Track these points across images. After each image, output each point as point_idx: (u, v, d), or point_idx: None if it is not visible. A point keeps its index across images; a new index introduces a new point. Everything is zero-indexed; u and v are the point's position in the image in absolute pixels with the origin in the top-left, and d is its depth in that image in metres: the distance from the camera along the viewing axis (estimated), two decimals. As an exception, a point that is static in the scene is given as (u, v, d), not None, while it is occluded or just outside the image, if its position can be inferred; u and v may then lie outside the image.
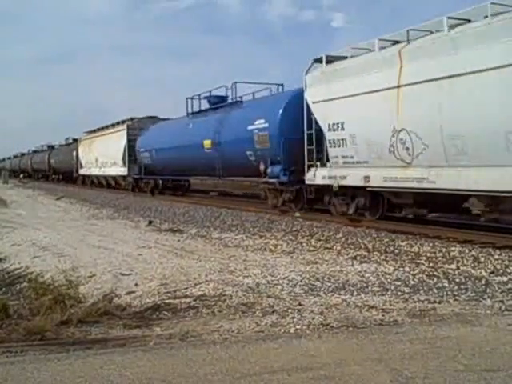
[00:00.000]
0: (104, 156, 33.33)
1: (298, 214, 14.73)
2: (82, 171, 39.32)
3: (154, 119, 29.54)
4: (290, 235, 11.31)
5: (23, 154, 70.25)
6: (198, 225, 13.76)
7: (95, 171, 35.91)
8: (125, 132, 29.88)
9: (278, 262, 8.36)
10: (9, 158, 78.03)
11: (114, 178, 32.42)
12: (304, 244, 10.19)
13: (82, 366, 3.90)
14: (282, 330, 4.88)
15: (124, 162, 29.43)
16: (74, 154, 40.15)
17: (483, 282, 6.74)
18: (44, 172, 54.76)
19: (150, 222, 14.40)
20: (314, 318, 5.19)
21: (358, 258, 8.61)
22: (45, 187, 39.86)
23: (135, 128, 29.37)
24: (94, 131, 37.37)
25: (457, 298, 6.05)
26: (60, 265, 8.21)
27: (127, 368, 3.83)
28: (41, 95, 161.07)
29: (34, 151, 62.70)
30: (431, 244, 9.51)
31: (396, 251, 9.07)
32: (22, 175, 62.03)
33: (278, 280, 6.96)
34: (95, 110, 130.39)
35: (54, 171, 50.41)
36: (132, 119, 30.91)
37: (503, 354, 4.02)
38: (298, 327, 4.95)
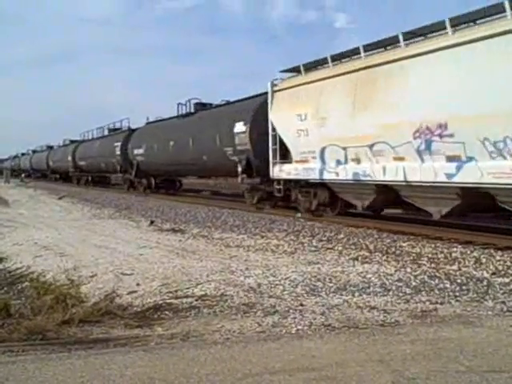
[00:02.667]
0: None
1: (299, 215, 14.75)
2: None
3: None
4: (292, 235, 11.31)
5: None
6: (199, 225, 13.76)
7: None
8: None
9: (279, 262, 8.36)
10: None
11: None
12: (305, 244, 10.18)
13: (84, 365, 3.90)
14: (284, 331, 4.87)
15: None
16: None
17: (485, 283, 6.73)
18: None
19: (152, 222, 14.40)
20: (315, 319, 5.18)
21: (360, 258, 8.61)
22: (46, 187, 39.89)
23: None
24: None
25: (458, 299, 6.04)
26: (62, 264, 8.23)
27: (128, 368, 3.83)
28: (41, 95, 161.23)
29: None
30: (433, 245, 9.50)
31: (397, 252, 9.07)
32: (23, 175, 62.10)
33: (279, 280, 6.95)
34: (96, 110, 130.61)
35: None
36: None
37: (505, 356, 4.02)
38: (299, 328, 4.94)
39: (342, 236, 10.90)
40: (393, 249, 9.34)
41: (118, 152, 30.20)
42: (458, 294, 6.25)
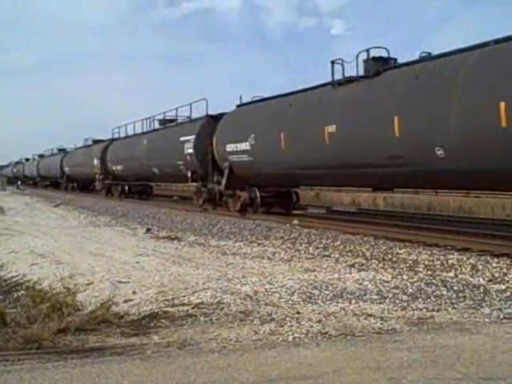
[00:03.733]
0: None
1: (295, 222, 14.76)
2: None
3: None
4: (288, 243, 11.31)
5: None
6: (195, 232, 13.75)
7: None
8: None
9: (275, 269, 8.35)
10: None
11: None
12: (302, 252, 10.18)
13: (80, 374, 3.89)
14: (280, 339, 4.87)
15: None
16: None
17: (481, 289, 6.73)
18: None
19: (148, 230, 14.39)
20: (312, 327, 5.18)
21: (356, 265, 8.60)
22: (42, 194, 39.81)
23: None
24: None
25: (455, 306, 6.04)
26: (58, 272, 8.19)
27: (125, 376, 3.82)
28: (38, 102, 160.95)
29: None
30: (429, 252, 9.51)
31: (394, 259, 9.07)
32: (19, 182, 61.90)
33: (276, 288, 6.95)
34: (94, 116, 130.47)
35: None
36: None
37: (501, 363, 4.02)
38: (296, 335, 4.94)
39: (338, 243, 10.90)
40: (389, 256, 9.34)
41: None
42: (454, 301, 6.25)
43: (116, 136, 34.76)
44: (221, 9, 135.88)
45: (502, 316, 5.58)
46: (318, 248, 10.51)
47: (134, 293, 6.86)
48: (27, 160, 70.31)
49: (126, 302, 6.40)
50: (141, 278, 7.73)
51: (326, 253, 9.95)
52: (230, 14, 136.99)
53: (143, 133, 28.78)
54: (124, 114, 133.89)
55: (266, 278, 7.54)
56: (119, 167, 31.24)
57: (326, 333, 5.00)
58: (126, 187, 31.25)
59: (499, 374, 3.79)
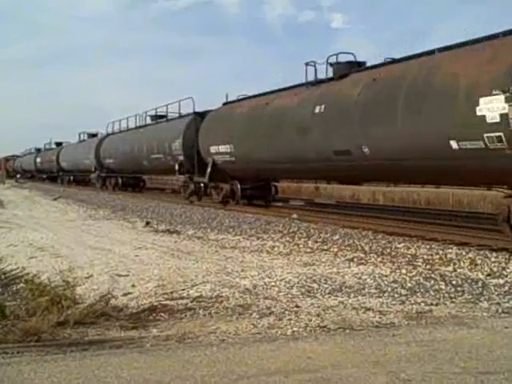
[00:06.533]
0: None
1: (295, 216, 14.77)
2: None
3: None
4: (287, 237, 11.31)
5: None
6: (194, 226, 13.75)
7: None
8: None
9: (274, 263, 8.36)
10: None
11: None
12: (301, 246, 10.19)
13: (79, 367, 3.89)
14: (279, 332, 4.87)
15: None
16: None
17: (480, 284, 6.75)
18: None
19: (147, 223, 14.38)
20: (310, 320, 5.19)
21: (355, 259, 8.61)
22: (41, 187, 39.78)
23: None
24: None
25: (453, 300, 6.05)
26: (57, 265, 8.20)
27: (124, 369, 3.82)
28: (36, 95, 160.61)
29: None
30: (428, 246, 9.52)
31: (393, 253, 9.08)
32: (18, 175, 61.79)
33: (274, 282, 6.95)
34: (92, 110, 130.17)
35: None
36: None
37: (500, 357, 4.02)
38: (294, 329, 4.95)
39: (337, 237, 10.91)
40: (388, 250, 9.35)
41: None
42: (453, 295, 6.26)
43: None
44: (220, 1, 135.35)
45: (500, 310, 5.59)
46: (316, 242, 10.52)
47: (133, 286, 6.87)
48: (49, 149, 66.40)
49: (125, 295, 6.41)
50: (140, 272, 7.73)
51: (325, 247, 9.96)
52: (229, 7, 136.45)
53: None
54: (122, 107, 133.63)
55: (264, 272, 7.55)
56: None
57: (324, 326, 5.01)
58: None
59: (497, 368, 3.80)
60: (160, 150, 24.73)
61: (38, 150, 59.15)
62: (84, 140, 41.98)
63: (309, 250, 9.74)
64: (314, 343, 4.47)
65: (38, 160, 55.49)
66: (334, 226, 12.55)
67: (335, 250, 9.63)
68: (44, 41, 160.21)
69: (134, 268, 8.05)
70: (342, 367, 3.85)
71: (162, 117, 27.43)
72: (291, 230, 12.11)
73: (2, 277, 8.02)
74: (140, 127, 29.94)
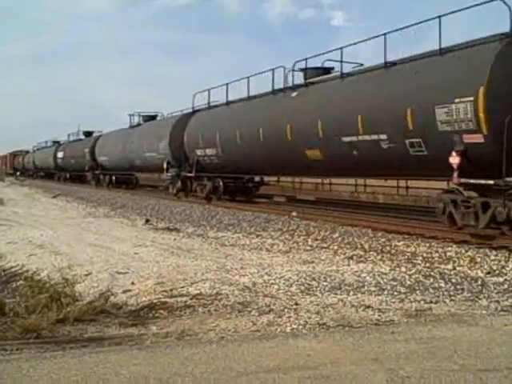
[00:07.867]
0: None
1: (294, 214, 14.77)
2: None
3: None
4: (287, 234, 11.32)
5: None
6: (194, 223, 13.75)
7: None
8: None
9: (274, 261, 8.36)
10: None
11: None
12: (300, 243, 10.19)
13: (78, 364, 3.90)
14: (279, 330, 4.88)
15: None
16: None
17: (479, 282, 6.75)
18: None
19: (147, 221, 14.38)
20: (310, 318, 5.19)
21: (355, 257, 8.62)
22: (40, 185, 39.77)
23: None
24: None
25: (453, 298, 6.06)
26: (56, 263, 8.21)
27: (123, 367, 3.82)
28: (35, 93, 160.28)
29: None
30: (428, 244, 9.53)
31: (392, 251, 9.08)
32: (18, 173, 61.80)
33: (274, 279, 6.95)
34: (92, 108, 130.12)
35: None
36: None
37: (499, 355, 4.03)
38: (294, 326, 4.95)
39: (336, 235, 10.91)
40: (388, 248, 9.36)
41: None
42: (452, 293, 6.27)
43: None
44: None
45: (499, 308, 5.60)
46: (316, 240, 10.52)
47: (133, 283, 6.86)
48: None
49: (124, 292, 6.40)
50: (139, 269, 7.73)
51: (325, 245, 9.97)
52: (229, 4, 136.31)
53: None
54: (121, 105, 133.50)
55: (264, 270, 7.55)
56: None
57: (324, 324, 5.01)
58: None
59: (496, 365, 3.81)
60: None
61: (57, 143, 50.28)
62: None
63: (308, 247, 9.75)
64: (313, 341, 4.47)
65: (60, 155, 46.27)
66: (334, 224, 12.56)
67: (335, 247, 9.63)
68: (44, 38, 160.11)
69: (133, 265, 8.04)
70: (341, 364, 3.85)
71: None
72: (290, 228, 12.12)
73: (2, 274, 8.03)
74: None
